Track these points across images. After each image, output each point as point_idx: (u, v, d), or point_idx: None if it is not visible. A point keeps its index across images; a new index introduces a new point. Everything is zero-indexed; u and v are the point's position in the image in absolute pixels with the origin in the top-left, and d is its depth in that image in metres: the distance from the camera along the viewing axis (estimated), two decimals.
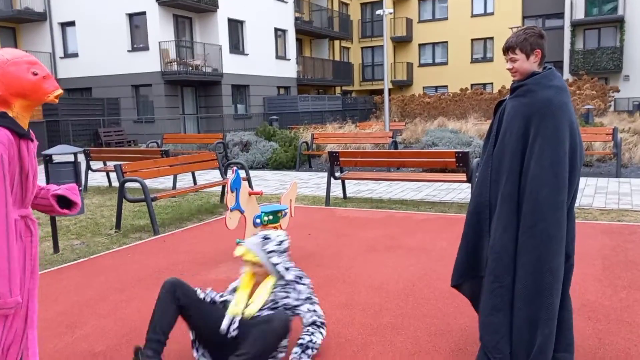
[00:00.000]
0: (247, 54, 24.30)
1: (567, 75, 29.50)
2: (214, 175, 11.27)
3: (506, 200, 2.50)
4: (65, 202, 2.18)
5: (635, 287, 3.80)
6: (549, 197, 2.38)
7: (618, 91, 25.69)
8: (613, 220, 5.95)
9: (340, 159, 7.48)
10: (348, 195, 8.23)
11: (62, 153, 4.60)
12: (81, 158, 13.38)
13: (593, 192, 7.69)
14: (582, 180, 8.67)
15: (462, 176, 6.88)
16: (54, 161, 4.91)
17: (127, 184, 6.43)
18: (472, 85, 31.36)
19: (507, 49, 2.55)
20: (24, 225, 1.91)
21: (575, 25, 29.81)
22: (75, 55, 22.42)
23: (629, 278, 3.99)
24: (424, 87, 34.67)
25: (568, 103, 2.45)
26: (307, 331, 2.85)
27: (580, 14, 29.73)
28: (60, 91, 1.88)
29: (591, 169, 10.06)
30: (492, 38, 32.94)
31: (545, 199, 2.38)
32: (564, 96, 2.45)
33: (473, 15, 33.44)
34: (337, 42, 33.70)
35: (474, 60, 33.82)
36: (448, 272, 4.24)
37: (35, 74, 1.82)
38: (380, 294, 3.86)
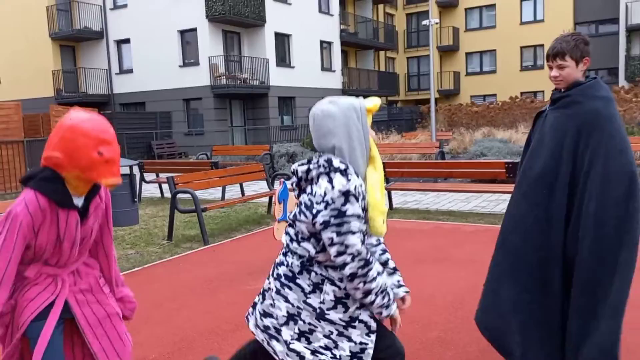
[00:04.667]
0: (293, 67, 24.66)
1: (622, 82, 28.31)
2: (261, 186, 11.47)
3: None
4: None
5: None
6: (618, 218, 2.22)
7: None
8: None
9: (387, 169, 7.46)
10: (394, 206, 8.19)
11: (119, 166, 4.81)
12: (135, 170, 13.90)
13: None
14: None
15: (512, 187, 6.72)
16: None
17: (179, 195, 6.65)
18: (521, 93, 30.59)
19: (556, 55, 2.35)
20: (51, 281, 1.92)
21: (630, 30, 28.64)
22: (130, 71, 23.39)
23: None
24: (471, 96, 34.09)
25: (617, 115, 2.29)
26: None
27: (636, 19, 28.54)
28: (116, 181, 1.77)
29: None
30: (542, 45, 32.06)
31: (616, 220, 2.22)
32: (612, 108, 2.29)
33: (522, 23, 32.71)
34: (382, 53, 33.70)
35: (523, 68, 33.01)
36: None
37: (100, 154, 1.72)
38: (428, 306, 3.82)
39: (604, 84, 2.38)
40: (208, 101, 21.62)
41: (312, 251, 1.88)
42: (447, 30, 34.58)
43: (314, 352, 1.87)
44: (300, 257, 1.90)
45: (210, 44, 21.37)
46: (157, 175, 10.96)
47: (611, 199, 2.20)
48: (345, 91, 28.29)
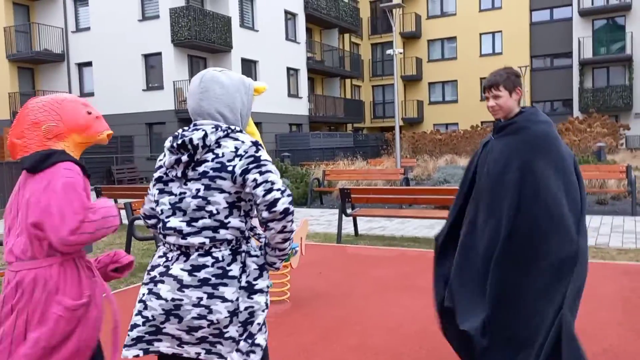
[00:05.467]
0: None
1: (577, 112, 29.53)
2: None
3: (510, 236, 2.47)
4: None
5: None
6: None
7: (629, 129, 25.61)
8: (631, 260, 5.79)
9: (352, 195, 7.44)
10: (360, 232, 8.15)
11: None
12: (93, 195, 13.47)
13: (609, 231, 7.54)
14: (597, 219, 8.52)
15: None
16: None
17: (137, 222, 6.42)
18: (482, 122, 31.47)
19: (491, 86, 2.58)
20: (85, 266, 1.93)
21: (583, 64, 30.04)
22: (92, 94, 22.92)
23: None
24: (434, 124, 34.85)
25: (559, 137, 2.53)
26: None
27: (588, 54, 29.99)
28: (110, 131, 1.93)
29: (606, 207, 9.91)
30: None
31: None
32: (554, 130, 2.53)
33: (482, 55, 33.88)
34: (348, 81, 34.20)
35: (483, 99, 33.87)
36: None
37: (89, 113, 1.88)
38: (395, 336, 3.74)
39: (540, 111, 2.61)
40: (172, 125, 21.33)
41: (243, 224, 1.81)
42: (410, 61, 35.46)
43: (258, 331, 1.81)
44: (229, 242, 1.79)
45: (175, 69, 21.21)
46: (116, 201, 10.62)
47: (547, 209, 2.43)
48: (312, 117, 28.47)
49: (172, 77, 21.15)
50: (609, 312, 4.07)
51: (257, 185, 1.73)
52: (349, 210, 7.76)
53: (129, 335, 1.82)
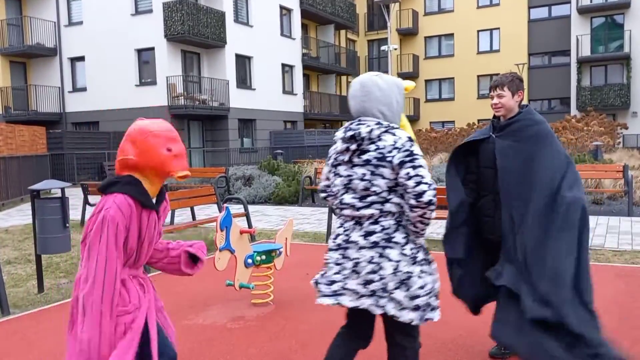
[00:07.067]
0: (254, 89, 24.47)
1: (574, 111, 29.41)
2: (214, 210, 11.07)
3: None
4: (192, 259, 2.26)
5: None
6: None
7: (626, 128, 25.49)
8: (627, 263, 5.64)
9: None
10: None
11: (47, 188, 4.42)
12: (76, 192, 13.25)
13: (605, 232, 7.38)
14: (593, 219, 8.36)
15: None
16: (41, 197, 4.73)
17: None
18: (479, 120, 31.31)
19: (496, 86, 2.93)
20: (137, 283, 2.04)
21: (581, 62, 29.89)
22: (84, 89, 22.67)
23: None
24: (430, 122, 34.69)
25: (554, 134, 2.92)
26: None
27: (586, 52, 29.84)
28: (185, 173, 1.96)
29: (602, 207, 9.75)
30: (497, 74, 32.99)
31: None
32: (549, 127, 2.89)
33: (479, 52, 33.72)
34: (344, 78, 33.99)
35: (480, 96, 33.89)
36: (455, 317, 3.94)
37: (169, 150, 1.92)
38: (382, 342, 3.56)
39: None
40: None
41: (402, 200, 2.22)
42: (407, 58, 35.27)
43: (414, 297, 2.20)
44: (393, 214, 2.23)
45: (168, 64, 20.97)
46: None
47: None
48: (306, 114, 28.26)
49: (165, 72, 20.90)
50: (604, 318, 3.90)
51: (409, 178, 2.15)
52: None
53: (324, 286, 2.32)
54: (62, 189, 4.63)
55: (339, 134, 2.30)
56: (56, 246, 4.70)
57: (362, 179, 2.21)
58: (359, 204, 2.23)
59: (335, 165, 2.34)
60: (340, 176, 2.30)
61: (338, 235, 2.34)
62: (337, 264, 2.29)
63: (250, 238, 5.55)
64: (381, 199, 2.21)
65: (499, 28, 32.94)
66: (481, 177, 3.00)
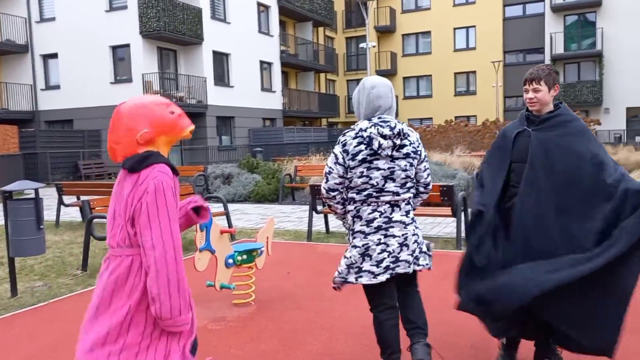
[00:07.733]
0: (232, 86, 24.27)
1: None
2: None
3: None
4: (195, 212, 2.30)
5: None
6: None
7: (599, 124, 26.02)
8: None
9: None
10: (331, 229, 7.96)
11: (21, 189, 4.30)
12: (51, 192, 12.97)
13: None
14: None
15: (447, 210, 6.66)
16: (14, 198, 4.60)
17: (97, 220, 6.10)
18: (456, 117, 31.63)
19: (533, 80, 2.73)
20: None
21: (555, 59, 30.40)
22: (57, 87, 22.19)
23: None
24: (409, 119, 34.90)
25: None
26: None
27: (559, 49, 30.37)
28: (192, 127, 2.04)
29: None
30: (474, 72, 33.45)
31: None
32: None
33: (456, 50, 34.03)
34: (322, 75, 33.96)
35: (457, 94, 34.23)
36: (435, 316, 3.95)
37: (173, 113, 1.99)
38: (361, 341, 3.56)
39: None
40: None
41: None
42: (385, 55, 35.41)
43: (424, 251, 2.87)
44: (411, 191, 2.81)
45: (144, 61, 20.65)
46: (78, 198, 10.20)
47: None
48: (285, 112, 28.16)
49: (141, 69, 20.58)
50: None
51: (424, 170, 2.83)
52: (319, 207, 7.56)
53: (374, 268, 2.71)
54: (36, 190, 4.51)
55: (373, 130, 2.65)
56: (30, 248, 4.57)
57: (403, 170, 2.70)
58: (401, 191, 2.72)
59: (369, 162, 2.66)
60: (380, 169, 2.67)
61: (374, 219, 2.71)
62: (379, 244, 2.69)
63: (230, 237, 5.49)
64: (412, 184, 2.78)
65: (475, 26, 33.30)
66: (512, 172, 2.82)
